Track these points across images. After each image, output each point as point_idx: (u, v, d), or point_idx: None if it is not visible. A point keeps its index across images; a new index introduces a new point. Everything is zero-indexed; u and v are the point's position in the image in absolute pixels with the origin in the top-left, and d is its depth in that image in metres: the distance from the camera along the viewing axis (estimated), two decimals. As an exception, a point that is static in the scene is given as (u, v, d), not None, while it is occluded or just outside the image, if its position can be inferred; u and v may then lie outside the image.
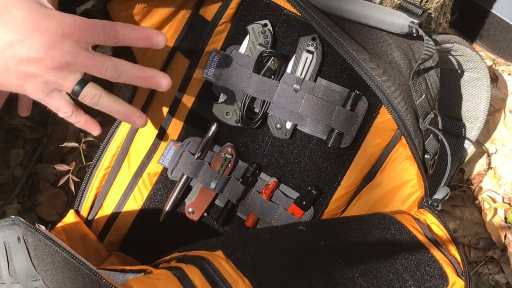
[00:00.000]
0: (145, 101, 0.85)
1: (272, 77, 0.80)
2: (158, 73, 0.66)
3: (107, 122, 1.17)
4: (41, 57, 0.60)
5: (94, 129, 0.69)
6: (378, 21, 0.78)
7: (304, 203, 0.83)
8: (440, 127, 0.83)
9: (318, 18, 0.73)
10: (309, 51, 0.79)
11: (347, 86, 0.80)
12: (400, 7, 0.82)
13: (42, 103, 0.65)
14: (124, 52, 0.86)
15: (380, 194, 0.83)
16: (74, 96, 0.64)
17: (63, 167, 1.00)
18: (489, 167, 1.18)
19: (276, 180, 0.83)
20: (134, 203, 0.86)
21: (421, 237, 0.70)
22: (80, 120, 0.68)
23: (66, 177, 0.99)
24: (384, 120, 0.81)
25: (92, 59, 0.62)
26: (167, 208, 0.85)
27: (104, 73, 0.63)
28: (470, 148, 1.01)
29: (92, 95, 0.64)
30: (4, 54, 0.59)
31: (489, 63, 1.32)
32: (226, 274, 0.62)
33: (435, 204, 0.74)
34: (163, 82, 0.66)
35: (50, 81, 0.62)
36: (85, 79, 0.63)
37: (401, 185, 0.81)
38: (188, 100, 0.84)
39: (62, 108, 0.65)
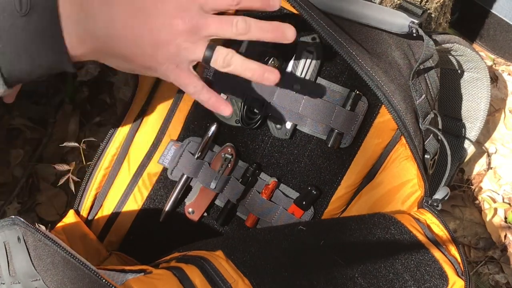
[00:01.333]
0: (145, 101, 0.85)
1: (272, 77, 0.80)
2: (282, 25, 0.65)
3: (107, 122, 1.17)
4: (172, 21, 0.60)
5: (225, 108, 0.67)
6: (378, 21, 0.78)
7: (304, 203, 0.83)
8: (440, 127, 0.83)
9: (318, 18, 0.73)
10: (309, 51, 0.79)
11: (347, 86, 0.80)
12: (400, 7, 0.82)
13: (171, 79, 0.64)
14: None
15: (380, 194, 0.83)
16: (206, 63, 0.64)
17: (63, 167, 1.00)
18: (489, 167, 1.18)
19: (276, 180, 0.83)
20: (134, 203, 0.86)
21: (421, 237, 0.70)
22: (211, 97, 0.66)
23: (66, 177, 0.99)
24: (384, 120, 0.81)
25: (220, 18, 0.62)
26: (167, 208, 0.85)
27: (236, 29, 0.63)
28: (470, 148, 1.01)
29: (224, 54, 0.63)
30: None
31: (489, 63, 1.32)
32: (226, 274, 0.62)
33: (435, 204, 0.74)
34: (288, 32, 0.65)
35: (181, 47, 0.62)
36: (213, 45, 0.64)
37: (401, 185, 0.81)
38: (188, 100, 0.84)
39: (192, 82, 0.65)
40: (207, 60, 0.64)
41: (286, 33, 0.65)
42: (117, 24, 0.61)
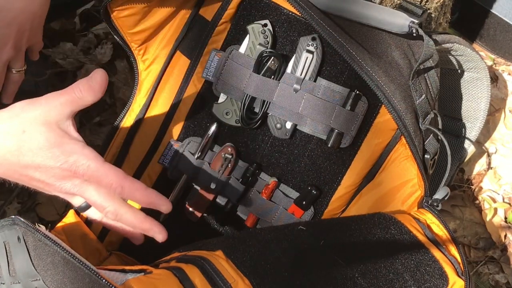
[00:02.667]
0: (145, 101, 0.85)
1: (272, 77, 0.80)
2: (156, 227, 0.69)
3: (107, 122, 1.17)
4: (51, 184, 0.64)
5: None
6: (378, 21, 0.78)
7: (304, 203, 0.83)
8: (440, 127, 0.83)
9: (318, 18, 0.73)
10: (309, 51, 0.79)
11: (347, 86, 0.80)
12: (400, 7, 0.82)
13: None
14: (124, 51, 0.86)
15: (380, 194, 0.83)
16: (80, 211, 0.69)
17: (63, 167, 1.00)
18: (489, 167, 1.18)
19: (276, 180, 0.83)
20: (134, 203, 0.86)
21: (421, 237, 0.70)
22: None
23: (66, 177, 0.99)
24: (384, 120, 0.81)
25: (97, 198, 0.65)
26: (167, 208, 0.85)
27: (104, 214, 0.66)
28: (470, 148, 1.01)
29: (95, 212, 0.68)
30: (20, 171, 0.63)
31: (489, 63, 1.32)
32: (226, 274, 0.62)
33: (435, 204, 0.74)
34: (158, 236, 0.69)
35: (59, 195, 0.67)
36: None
37: (401, 185, 0.81)
38: (188, 100, 0.84)
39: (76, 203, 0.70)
40: (81, 210, 0.69)
41: (156, 236, 0.69)
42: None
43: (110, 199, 0.65)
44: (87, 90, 0.65)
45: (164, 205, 0.68)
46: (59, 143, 0.63)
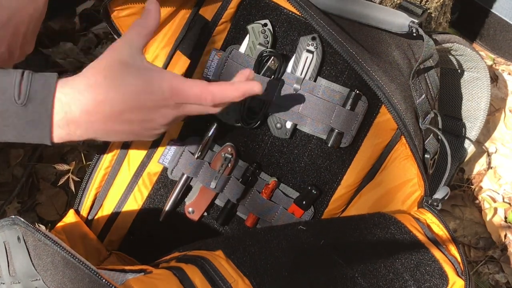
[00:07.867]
0: (145, 101, 0.85)
1: (272, 76, 0.80)
2: (249, 84, 0.69)
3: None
4: (151, 120, 0.67)
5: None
6: (378, 21, 0.78)
7: (304, 202, 0.83)
8: (440, 126, 0.83)
9: (318, 17, 0.73)
10: (309, 51, 0.79)
11: (347, 86, 0.80)
12: (400, 7, 0.82)
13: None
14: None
15: (380, 193, 0.83)
16: None
17: (63, 167, 1.00)
18: (489, 166, 1.18)
19: (276, 180, 0.83)
20: (134, 203, 0.86)
21: (421, 237, 0.70)
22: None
23: (66, 177, 0.99)
24: (384, 119, 0.81)
25: (197, 107, 0.69)
26: (167, 208, 0.85)
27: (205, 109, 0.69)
28: (470, 148, 1.01)
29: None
30: (121, 117, 0.65)
31: (489, 62, 1.32)
32: (226, 274, 0.62)
33: (435, 203, 0.74)
34: (255, 89, 0.69)
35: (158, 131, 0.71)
36: None
37: (401, 185, 0.81)
38: (188, 100, 0.84)
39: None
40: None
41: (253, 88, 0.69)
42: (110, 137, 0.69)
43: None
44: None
45: (255, 87, 0.69)
46: (149, 80, 0.65)
